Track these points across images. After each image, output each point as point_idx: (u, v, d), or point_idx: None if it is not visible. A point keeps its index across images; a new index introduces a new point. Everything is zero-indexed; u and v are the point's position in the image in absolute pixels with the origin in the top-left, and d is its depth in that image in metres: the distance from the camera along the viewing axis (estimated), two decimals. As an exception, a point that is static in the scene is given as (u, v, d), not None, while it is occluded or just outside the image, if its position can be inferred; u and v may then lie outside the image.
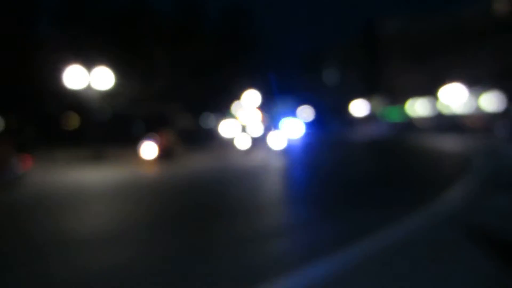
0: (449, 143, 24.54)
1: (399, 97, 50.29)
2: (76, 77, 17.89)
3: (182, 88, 27.48)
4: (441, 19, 46.09)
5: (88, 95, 18.56)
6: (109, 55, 20.17)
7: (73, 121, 28.61)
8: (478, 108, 41.77)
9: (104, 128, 20.86)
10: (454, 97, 42.65)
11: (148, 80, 25.30)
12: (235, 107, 32.35)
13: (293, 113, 51.17)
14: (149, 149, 18.08)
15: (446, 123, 42.31)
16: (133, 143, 19.92)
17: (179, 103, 28.64)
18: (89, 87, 18.09)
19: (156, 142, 18.32)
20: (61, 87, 19.03)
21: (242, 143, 22.92)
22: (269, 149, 22.25)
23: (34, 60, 22.61)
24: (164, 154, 18.05)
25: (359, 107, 54.06)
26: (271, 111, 38.94)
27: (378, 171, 13.19)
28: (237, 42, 31.86)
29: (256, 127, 29.44)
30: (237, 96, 31.42)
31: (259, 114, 31.45)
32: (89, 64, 18.10)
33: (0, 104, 22.51)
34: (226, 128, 28.13)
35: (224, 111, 33.17)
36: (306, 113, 54.77)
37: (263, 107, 32.42)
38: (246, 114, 31.15)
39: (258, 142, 24.06)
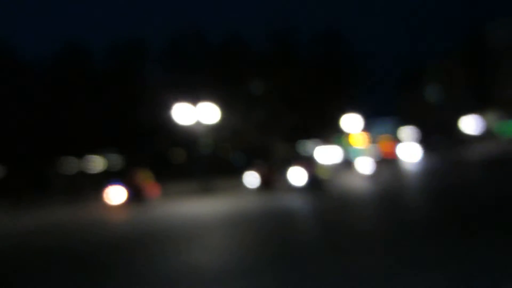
0: None
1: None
2: (183, 113, 18.87)
3: (280, 118, 27.61)
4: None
5: (195, 130, 19.39)
6: (212, 90, 21.07)
7: (180, 155, 30.21)
8: None
9: (209, 161, 21.59)
10: None
11: (248, 112, 25.86)
12: (336, 132, 31.71)
13: (396, 135, 48.88)
14: (250, 180, 18.54)
15: None
16: (237, 174, 20.39)
17: (278, 133, 28.74)
18: (197, 122, 18.91)
19: (257, 172, 18.64)
20: (169, 124, 20.21)
21: (363, 166, 22.58)
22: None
23: (143, 102, 24.56)
24: (265, 184, 18.27)
25: (470, 124, 49.52)
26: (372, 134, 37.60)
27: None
28: (332, 66, 31.33)
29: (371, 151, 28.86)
30: (336, 121, 30.75)
31: (363, 137, 30.64)
32: (194, 100, 19.01)
33: (117, 143, 24.70)
34: (325, 154, 27.62)
35: (323, 137, 32.64)
36: (409, 133, 51.75)
37: (366, 130, 31.38)
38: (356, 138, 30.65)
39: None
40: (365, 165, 22.44)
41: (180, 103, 19.00)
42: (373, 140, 36.79)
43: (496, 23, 47.77)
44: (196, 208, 13.51)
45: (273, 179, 18.57)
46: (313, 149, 34.56)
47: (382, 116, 48.24)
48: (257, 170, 18.84)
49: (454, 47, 54.30)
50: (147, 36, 33.38)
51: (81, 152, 26.84)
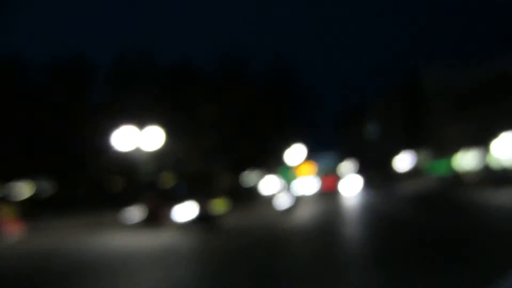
0: (507, 199, 22.72)
1: (446, 150, 48.42)
2: (125, 138, 18.07)
3: (226, 146, 27.41)
4: (488, 68, 44.94)
5: (135, 156, 18.61)
6: (157, 115, 20.48)
7: (118, 183, 28.77)
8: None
9: (146, 190, 20.57)
10: (505, 150, 40.53)
11: (194, 139, 25.41)
12: (279, 163, 32.06)
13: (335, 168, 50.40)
14: (132, 214, 16.44)
15: (496, 176, 39.91)
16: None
17: (223, 162, 28.44)
18: (137, 149, 18.16)
19: (145, 206, 16.57)
20: (109, 149, 19.28)
21: (282, 201, 20.86)
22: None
23: (84, 125, 23.30)
24: (151, 219, 16.28)
25: (403, 161, 52.32)
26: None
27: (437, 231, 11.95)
28: (280, 98, 31.86)
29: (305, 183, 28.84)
30: (281, 153, 31.12)
31: (309, 168, 31.16)
32: (139, 124, 18.32)
33: (52, 169, 23.03)
34: (268, 186, 27.66)
35: (267, 168, 32.84)
36: (348, 168, 53.53)
37: (308, 161, 32.05)
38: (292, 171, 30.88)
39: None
40: (283, 200, 20.67)
41: (123, 127, 18.21)
42: (316, 173, 37.65)
43: (430, 68, 51.64)
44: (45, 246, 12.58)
45: (161, 214, 16.38)
46: (257, 179, 34.61)
47: (324, 150, 49.65)
48: (145, 203, 16.68)
49: (395, 88, 57.69)
50: (93, 55, 32.12)
51: (6, 176, 23.94)
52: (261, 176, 33.41)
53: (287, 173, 32.60)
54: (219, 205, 16.04)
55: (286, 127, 32.40)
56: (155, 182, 24.89)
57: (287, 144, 30.98)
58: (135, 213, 16.60)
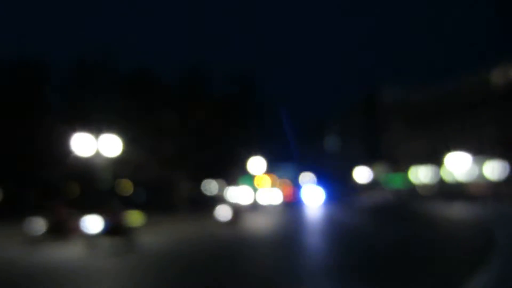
0: (457, 211, 23.94)
1: (402, 164, 50.22)
2: (83, 144, 17.71)
3: (187, 154, 27.35)
4: (441, 87, 47.08)
5: (94, 162, 18.25)
6: (116, 122, 20.19)
7: (74, 189, 27.99)
8: (481, 176, 41.46)
9: (107, 196, 20.29)
10: (458, 165, 42.52)
11: (155, 146, 25.21)
12: (240, 173, 32.29)
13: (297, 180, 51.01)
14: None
15: (449, 190, 41.81)
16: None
17: (183, 170, 28.32)
18: (96, 154, 17.83)
19: (47, 216, 15.00)
20: (66, 155, 18.83)
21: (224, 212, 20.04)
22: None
23: (40, 127, 22.63)
24: (55, 230, 14.87)
25: (361, 174, 53.77)
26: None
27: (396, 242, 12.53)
28: (242, 110, 32.25)
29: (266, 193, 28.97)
30: (242, 163, 31.36)
31: (270, 179, 31.49)
32: (96, 131, 18.01)
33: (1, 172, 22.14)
34: (231, 194, 27.70)
35: (229, 177, 32.97)
36: (308, 179, 54.34)
37: (268, 172, 32.46)
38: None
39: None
40: (223, 211, 19.95)
41: (80, 133, 17.83)
42: (275, 184, 38.14)
43: (387, 86, 53.63)
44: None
45: (69, 224, 14.92)
46: (217, 188, 34.66)
47: (284, 161, 50.23)
48: (48, 213, 15.14)
49: (352, 105, 59.40)
50: (51, 58, 31.24)
51: None
52: (223, 185, 33.51)
53: (250, 182, 32.90)
54: (135, 217, 14.48)
55: (247, 138, 32.74)
56: (112, 189, 24.43)
57: (249, 155, 31.29)
58: (40, 223, 14.91)
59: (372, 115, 55.25)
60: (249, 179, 32.32)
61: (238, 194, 29.28)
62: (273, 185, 36.13)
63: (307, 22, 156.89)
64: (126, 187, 29.66)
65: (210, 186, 35.15)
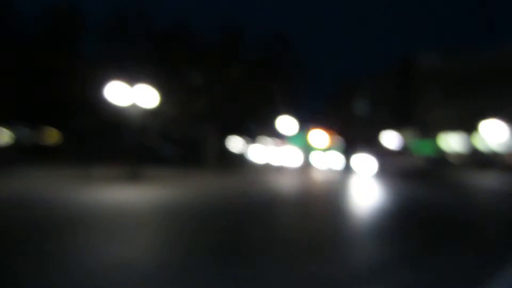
0: (494, 182, 23.19)
1: (433, 131, 48.93)
2: (118, 94, 17.63)
3: (218, 112, 27.17)
4: (478, 54, 45.02)
5: (130, 113, 18.16)
6: (150, 73, 19.97)
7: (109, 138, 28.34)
8: (516, 146, 39.97)
9: (139, 147, 20.44)
10: (493, 133, 41.08)
11: (186, 102, 25.07)
12: (267, 131, 31.97)
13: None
14: None
15: (483, 159, 40.59)
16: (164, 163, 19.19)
17: (213, 126, 28.23)
18: (132, 105, 17.76)
19: None
20: (102, 104, 18.87)
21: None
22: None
23: (76, 75, 22.72)
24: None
25: (390, 139, 52.80)
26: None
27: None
28: (275, 70, 31.49)
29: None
30: (270, 121, 31.04)
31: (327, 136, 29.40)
32: (131, 81, 17.86)
33: (46, 118, 22.58)
34: (255, 152, 27.44)
35: (255, 135, 32.77)
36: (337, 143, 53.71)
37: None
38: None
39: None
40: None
41: (115, 82, 17.73)
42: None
43: (424, 50, 51.54)
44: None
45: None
46: (242, 145, 34.47)
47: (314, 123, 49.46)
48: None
49: (385, 69, 57.56)
50: (87, 7, 31.02)
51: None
52: (250, 143, 33.40)
53: (300, 141, 31.03)
54: None
55: (278, 98, 32.21)
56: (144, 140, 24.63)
57: (278, 114, 30.87)
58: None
59: (404, 79, 53.56)
60: (299, 137, 30.55)
61: (281, 154, 28.25)
62: (331, 144, 33.48)
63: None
64: (156, 139, 29.88)
65: (239, 144, 35.15)
